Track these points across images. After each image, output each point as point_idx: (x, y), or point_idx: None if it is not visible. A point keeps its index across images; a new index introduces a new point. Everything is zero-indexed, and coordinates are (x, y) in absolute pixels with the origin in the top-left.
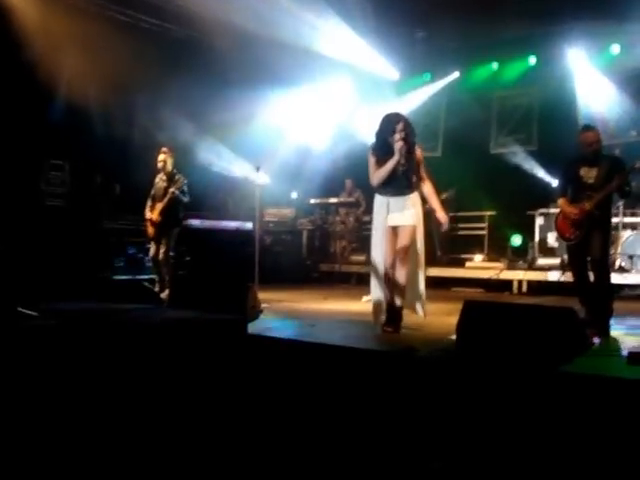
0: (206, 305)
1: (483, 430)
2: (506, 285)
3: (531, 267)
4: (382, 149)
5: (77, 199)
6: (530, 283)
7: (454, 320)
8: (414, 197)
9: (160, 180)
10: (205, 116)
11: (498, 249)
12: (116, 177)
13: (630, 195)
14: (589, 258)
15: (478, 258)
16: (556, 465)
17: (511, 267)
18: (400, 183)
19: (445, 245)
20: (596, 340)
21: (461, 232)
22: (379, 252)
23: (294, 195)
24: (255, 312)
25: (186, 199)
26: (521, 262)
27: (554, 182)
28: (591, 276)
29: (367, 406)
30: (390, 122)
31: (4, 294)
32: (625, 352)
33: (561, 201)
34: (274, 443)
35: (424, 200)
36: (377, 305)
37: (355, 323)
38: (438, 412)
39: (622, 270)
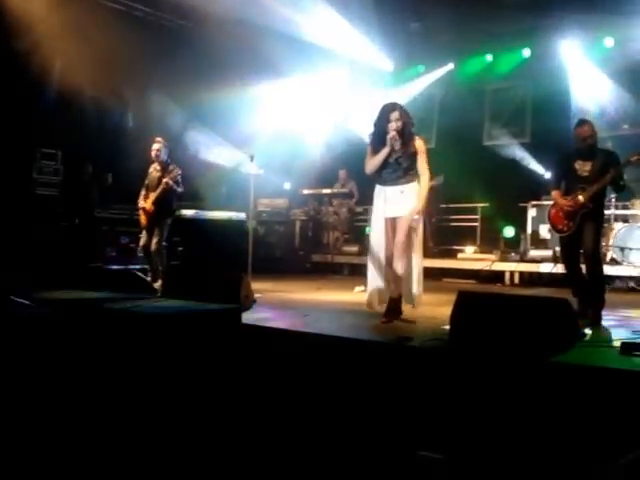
0: (199, 295)
1: (476, 420)
2: (498, 276)
3: (523, 259)
4: (377, 138)
5: (69, 188)
6: (522, 275)
7: (446, 311)
8: (411, 187)
9: (154, 170)
10: (198, 105)
11: (490, 241)
12: (109, 166)
13: (624, 189)
14: (582, 250)
15: (470, 249)
16: (549, 455)
17: (503, 259)
18: (395, 172)
19: (437, 236)
20: (588, 331)
21: (453, 223)
22: (377, 242)
23: (287, 185)
24: (248, 302)
25: (180, 189)
26: (513, 254)
27: (547, 174)
28: (583, 268)
29: (360, 396)
30: (385, 112)
31: None
32: (617, 343)
33: (555, 193)
34: (268, 433)
35: None
36: (373, 294)
37: (348, 313)
38: (431, 402)
39: (614, 262)
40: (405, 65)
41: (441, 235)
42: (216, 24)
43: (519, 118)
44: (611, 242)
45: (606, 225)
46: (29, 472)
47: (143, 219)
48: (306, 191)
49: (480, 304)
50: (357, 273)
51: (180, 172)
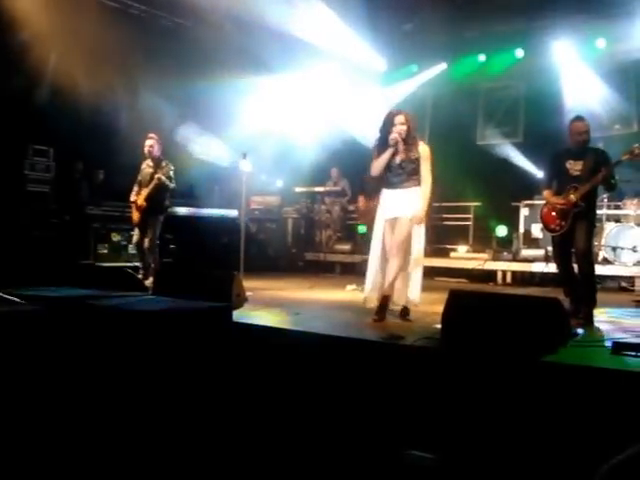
0: (191, 293)
1: (467, 420)
2: (490, 276)
3: (515, 258)
4: (382, 143)
5: (61, 185)
6: (514, 274)
7: (438, 309)
8: (414, 191)
9: (147, 166)
10: (191, 103)
11: (483, 240)
12: (100, 163)
13: (616, 187)
14: (573, 249)
15: (463, 249)
16: (540, 455)
17: (495, 258)
18: (399, 176)
19: (430, 235)
20: (580, 330)
21: (446, 222)
22: (377, 241)
23: (280, 183)
24: (240, 300)
25: (172, 185)
26: (505, 253)
27: (539, 174)
28: (575, 267)
29: (352, 394)
30: (391, 116)
31: None
32: (609, 342)
33: (546, 193)
34: (259, 431)
35: None
36: (371, 292)
37: (340, 312)
38: (423, 401)
39: (606, 262)
40: (398, 64)
41: (434, 234)
42: (210, 22)
43: (512, 118)
44: (603, 242)
45: (598, 225)
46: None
47: (135, 216)
48: (299, 189)
49: (471, 303)
50: (349, 271)
51: (173, 168)
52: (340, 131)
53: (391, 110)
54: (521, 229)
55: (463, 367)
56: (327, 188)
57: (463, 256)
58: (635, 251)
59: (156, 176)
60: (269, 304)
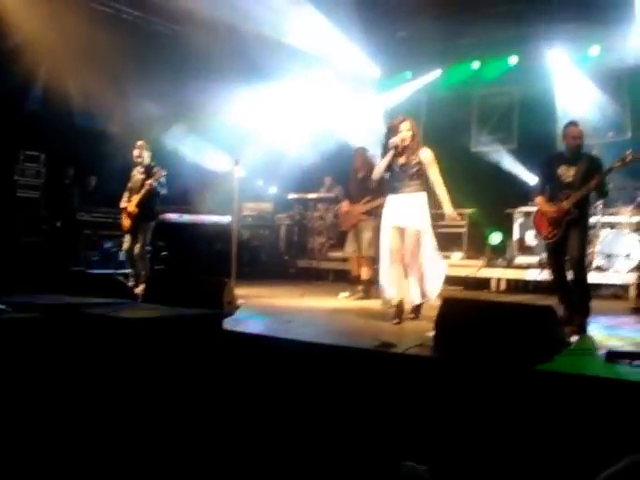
0: (181, 300)
1: (461, 429)
2: (484, 283)
3: (510, 265)
4: (385, 150)
5: (52, 191)
6: (508, 281)
7: (432, 316)
8: (417, 196)
9: (137, 173)
10: (184, 109)
11: (477, 247)
12: (92, 169)
13: (608, 194)
14: (567, 257)
15: (457, 256)
16: (534, 464)
17: (490, 265)
18: (401, 181)
19: None
20: (574, 338)
21: (440, 229)
22: (384, 247)
23: (273, 190)
24: (231, 308)
25: (164, 191)
26: (500, 260)
27: (533, 181)
28: (569, 274)
29: (344, 403)
30: (395, 123)
31: None
32: (603, 351)
33: (539, 199)
34: (249, 440)
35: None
36: (387, 301)
37: (331, 319)
38: (415, 410)
39: (600, 269)
40: (392, 71)
41: None
42: (204, 28)
43: (506, 124)
44: (597, 249)
45: (592, 232)
46: None
47: (126, 222)
48: (292, 195)
49: (464, 311)
50: (342, 279)
51: (164, 174)
52: (334, 137)
53: (396, 117)
54: (515, 236)
55: (456, 375)
56: (320, 195)
57: (457, 263)
58: (630, 258)
59: (147, 182)
60: (260, 312)
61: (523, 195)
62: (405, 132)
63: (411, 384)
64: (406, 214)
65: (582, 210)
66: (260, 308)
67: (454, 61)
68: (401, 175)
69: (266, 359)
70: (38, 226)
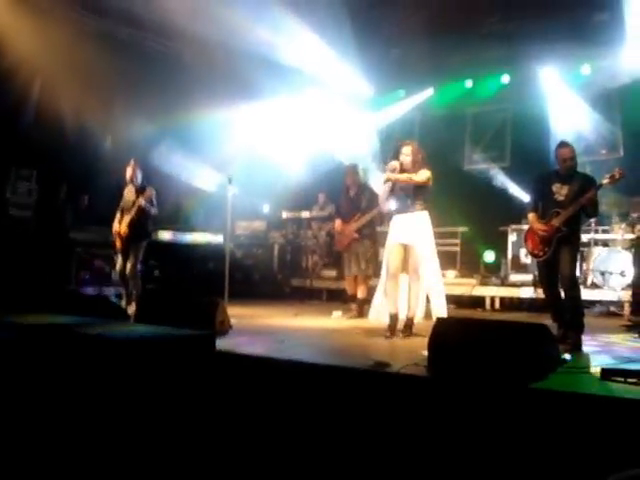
0: (173, 320)
1: (455, 448)
2: (479, 301)
3: (504, 283)
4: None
5: (44, 209)
6: (503, 299)
7: (426, 335)
8: (417, 215)
9: (129, 192)
10: (177, 127)
11: (471, 265)
12: (85, 187)
13: (596, 215)
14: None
15: (451, 274)
16: None
17: (484, 283)
18: (403, 202)
19: None
20: (568, 356)
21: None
22: (386, 264)
23: (266, 208)
24: (224, 328)
25: (154, 211)
26: (494, 278)
27: (526, 198)
28: (562, 292)
29: (337, 423)
30: (398, 147)
31: None
32: (597, 368)
33: (531, 216)
34: (241, 461)
35: None
36: (380, 309)
37: (325, 339)
38: (410, 429)
39: (594, 286)
40: (385, 90)
41: None
42: (197, 46)
43: (499, 143)
44: (591, 266)
45: (586, 249)
46: None
47: (118, 242)
48: (285, 214)
49: (458, 330)
50: (336, 298)
51: (154, 193)
52: (327, 156)
53: (400, 141)
54: (509, 254)
55: (450, 395)
56: (314, 213)
57: (451, 282)
58: (624, 275)
59: (137, 202)
60: (253, 331)
61: (516, 213)
62: (405, 156)
63: (405, 404)
64: (411, 232)
65: (572, 228)
66: (253, 328)
67: (447, 79)
68: (402, 197)
69: (259, 379)
70: (30, 245)
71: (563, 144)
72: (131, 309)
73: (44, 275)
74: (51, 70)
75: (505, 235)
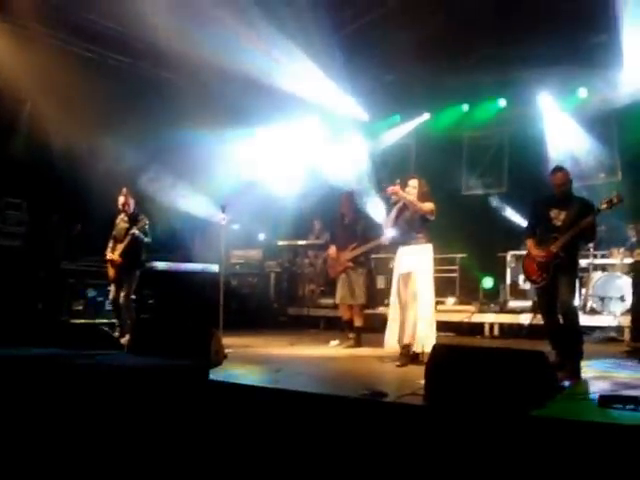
0: (168, 351)
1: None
2: (478, 328)
3: (503, 310)
4: (390, 204)
5: (35, 239)
6: (502, 326)
7: (423, 364)
8: (419, 246)
9: (121, 221)
10: (170, 155)
11: (470, 292)
12: (77, 216)
13: (593, 240)
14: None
15: (450, 301)
16: None
17: (482, 310)
18: (406, 234)
19: None
20: (567, 383)
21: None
22: (393, 295)
23: (261, 236)
24: (219, 358)
25: (147, 239)
26: (493, 305)
27: (524, 224)
28: (561, 318)
29: (333, 454)
30: (405, 180)
31: None
32: (595, 395)
33: (529, 242)
34: None
35: None
36: (391, 337)
37: (321, 368)
38: (407, 459)
39: (593, 312)
40: (381, 115)
41: None
42: (190, 74)
43: (496, 168)
44: (590, 291)
45: (585, 274)
46: None
47: (111, 272)
48: (281, 242)
49: (455, 358)
50: (333, 326)
51: (148, 222)
52: (323, 183)
53: (408, 175)
54: (508, 280)
55: (447, 424)
56: (310, 241)
57: (450, 309)
58: (623, 300)
59: (130, 232)
60: (248, 361)
61: (515, 239)
62: (411, 189)
63: (403, 433)
64: (410, 261)
65: (570, 254)
66: (248, 357)
67: (443, 104)
68: (407, 229)
69: (253, 410)
70: (20, 275)
71: (555, 169)
72: (125, 339)
73: (35, 306)
74: (40, 97)
75: (503, 261)
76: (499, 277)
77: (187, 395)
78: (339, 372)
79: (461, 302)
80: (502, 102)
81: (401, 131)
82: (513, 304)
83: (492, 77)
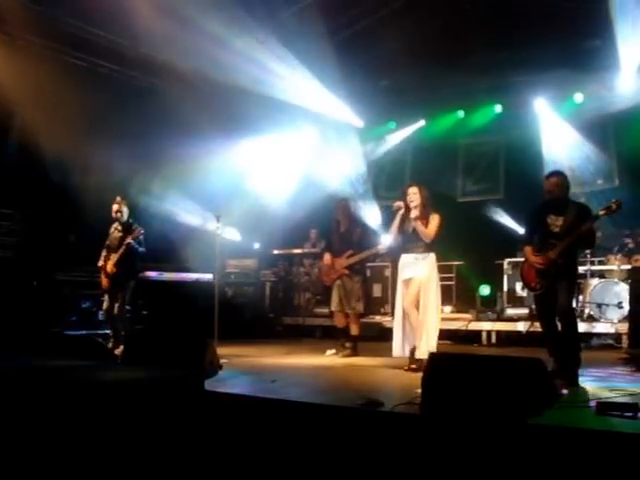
0: (162, 361)
1: None
2: (475, 336)
3: (500, 317)
4: (393, 214)
5: (28, 250)
6: (499, 334)
7: (419, 373)
8: (424, 255)
9: (115, 230)
10: (164, 164)
11: (467, 299)
12: (70, 226)
13: (593, 246)
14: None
15: (447, 309)
16: None
17: (480, 318)
18: (411, 242)
19: None
20: (565, 391)
21: None
22: (398, 300)
23: (257, 245)
24: (214, 368)
25: (142, 249)
26: (490, 312)
27: (521, 231)
28: (559, 325)
29: (329, 464)
30: (405, 188)
31: None
32: (594, 403)
33: (527, 249)
34: None
35: None
36: (397, 344)
37: (317, 378)
38: (404, 469)
39: (591, 319)
40: (376, 122)
41: None
42: (182, 81)
43: (492, 174)
44: (588, 298)
45: (582, 281)
46: None
47: (105, 282)
48: (276, 251)
49: (452, 366)
50: (330, 336)
51: (142, 231)
52: (318, 190)
53: (407, 183)
54: (505, 287)
55: (444, 433)
56: (305, 250)
57: (447, 317)
58: (621, 307)
59: (125, 241)
60: (244, 371)
61: (511, 245)
62: (412, 196)
63: (399, 443)
64: (414, 268)
65: (569, 260)
66: (244, 368)
67: (438, 110)
68: (412, 237)
69: (249, 420)
70: (13, 286)
71: (549, 174)
72: (118, 350)
73: (28, 317)
74: (31, 106)
75: (500, 268)
76: (496, 284)
77: (182, 406)
78: (335, 382)
79: (458, 310)
80: (498, 108)
81: (397, 137)
82: (510, 311)
83: (488, 83)
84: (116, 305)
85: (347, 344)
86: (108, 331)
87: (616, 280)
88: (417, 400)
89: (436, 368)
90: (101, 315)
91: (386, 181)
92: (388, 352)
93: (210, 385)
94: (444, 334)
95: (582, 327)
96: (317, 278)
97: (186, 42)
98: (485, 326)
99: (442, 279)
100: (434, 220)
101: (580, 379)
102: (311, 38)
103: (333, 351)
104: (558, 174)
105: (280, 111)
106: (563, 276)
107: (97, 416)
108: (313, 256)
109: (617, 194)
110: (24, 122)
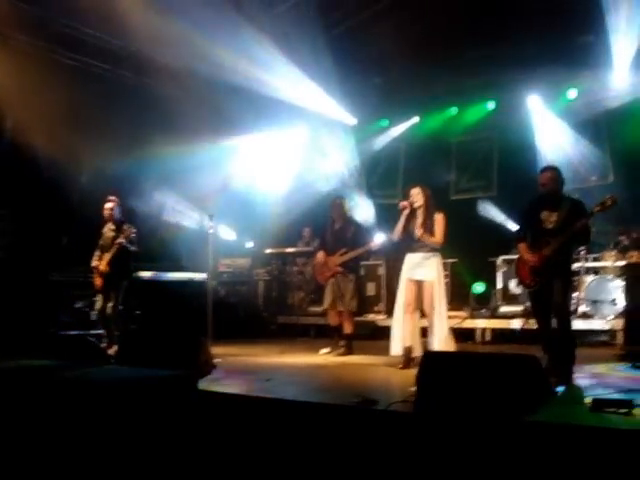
0: (156, 361)
1: None
2: (469, 334)
3: (494, 315)
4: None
5: (20, 250)
6: (494, 331)
7: (414, 371)
8: (432, 256)
9: (108, 230)
10: (156, 163)
11: (461, 297)
12: (63, 226)
13: (588, 242)
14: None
15: None
16: None
17: (474, 315)
18: (416, 242)
19: None
20: (559, 388)
21: None
22: (399, 299)
23: (250, 244)
24: (208, 367)
25: (134, 249)
26: (484, 310)
27: (515, 228)
28: (555, 322)
29: (324, 463)
30: (408, 189)
31: None
32: (588, 399)
33: (521, 246)
34: None
35: None
36: (396, 343)
37: (312, 376)
38: (399, 467)
39: (586, 316)
40: (369, 119)
41: None
42: (176, 81)
43: (485, 171)
44: (582, 295)
45: (577, 278)
46: None
47: (98, 281)
48: (269, 250)
49: (446, 364)
50: (324, 334)
51: (135, 231)
52: (311, 189)
53: (410, 184)
54: (499, 285)
55: (438, 431)
56: (299, 249)
57: None
58: (615, 304)
59: (117, 241)
60: (238, 371)
61: (505, 243)
62: (415, 197)
63: (394, 441)
64: (423, 270)
65: (564, 256)
66: (237, 367)
67: (431, 108)
68: (414, 235)
69: (244, 420)
70: (6, 287)
71: (543, 169)
72: (112, 350)
73: (22, 318)
74: (23, 107)
75: (494, 266)
76: (490, 282)
77: (176, 405)
78: (330, 380)
79: (452, 308)
80: (491, 105)
81: (390, 135)
82: (504, 309)
83: (481, 80)
84: (109, 305)
85: (341, 342)
86: (101, 331)
87: (611, 277)
88: (412, 398)
89: (431, 366)
90: (94, 315)
91: (379, 179)
92: (382, 350)
93: (204, 384)
94: None
95: (576, 324)
96: (311, 277)
97: (177, 40)
98: (479, 324)
99: None
100: (438, 222)
101: (575, 376)
102: (303, 35)
103: (327, 350)
104: (552, 168)
105: (272, 109)
106: (558, 273)
107: (91, 416)
108: (306, 255)
109: (611, 190)
110: (15, 122)
